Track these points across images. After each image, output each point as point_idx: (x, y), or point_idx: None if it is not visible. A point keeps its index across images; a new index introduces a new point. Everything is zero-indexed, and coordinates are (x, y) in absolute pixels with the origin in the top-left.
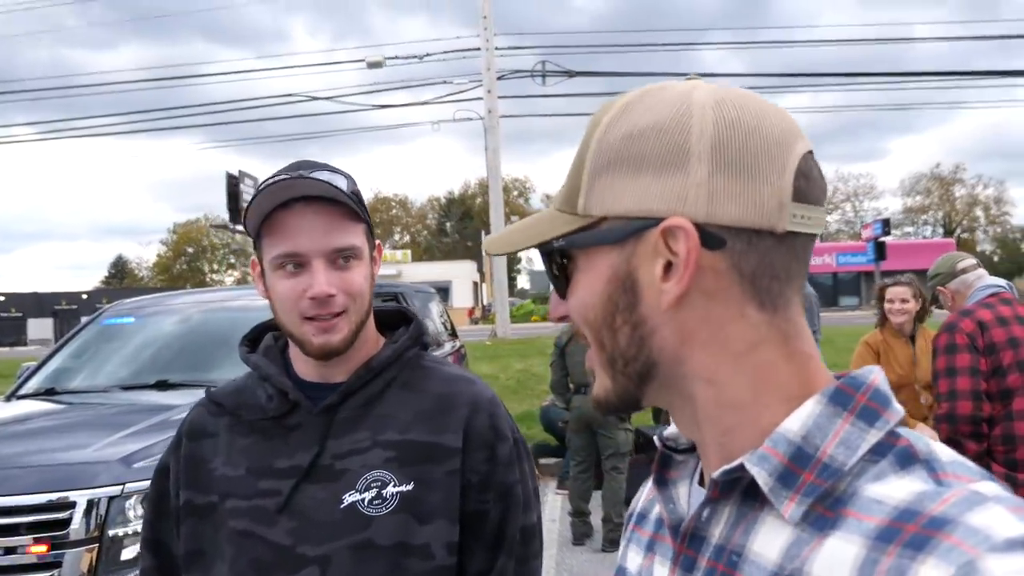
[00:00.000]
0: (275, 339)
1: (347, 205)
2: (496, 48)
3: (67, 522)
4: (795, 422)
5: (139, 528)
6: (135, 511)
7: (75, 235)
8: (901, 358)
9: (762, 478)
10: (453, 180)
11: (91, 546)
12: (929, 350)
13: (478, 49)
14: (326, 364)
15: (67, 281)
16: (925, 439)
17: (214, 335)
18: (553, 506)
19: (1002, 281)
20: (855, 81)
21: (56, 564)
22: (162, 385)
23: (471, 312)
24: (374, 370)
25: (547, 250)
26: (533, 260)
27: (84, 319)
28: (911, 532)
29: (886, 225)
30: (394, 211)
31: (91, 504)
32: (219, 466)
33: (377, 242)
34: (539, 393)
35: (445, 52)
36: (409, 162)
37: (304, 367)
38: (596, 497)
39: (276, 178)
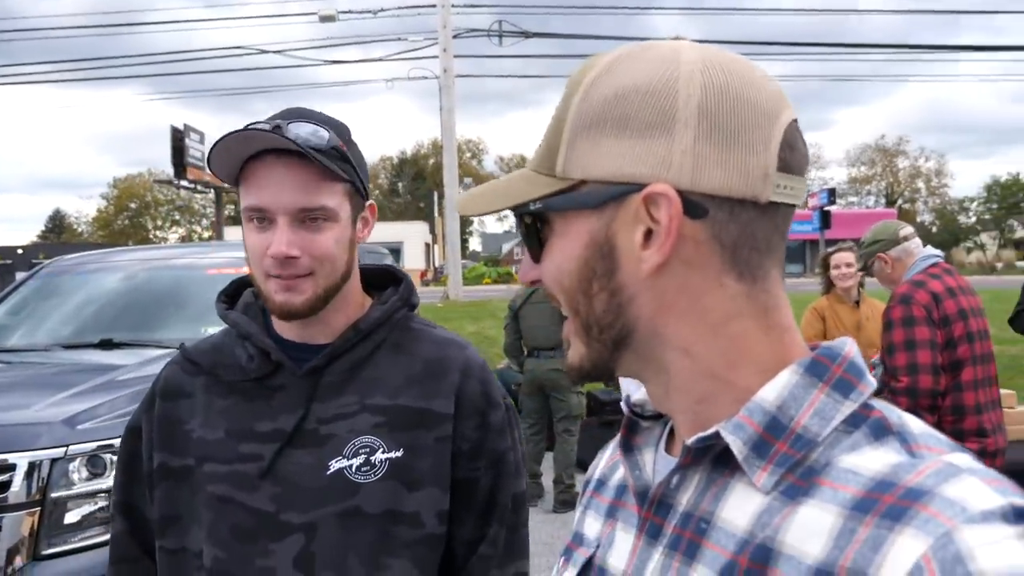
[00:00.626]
0: (255, 296)
1: (320, 163)
2: (452, 5)
3: (6, 485)
4: (771, 392)
5: (82, 491)
6: (79, 474)
7: (8, 187)
8: (847, 323)
9: (737, 447)
10: (406, 140)
11: (32, 510)
12: (874, 316)
13: (434, 6)
14: (305, 324)
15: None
16: (897, 411)
17: (160, 294)
18: None
19: (938, 252)
20: (803, 52)
21: None
22: (106, 344)
23: (423, 274)
24: (362, 332)
25: (522, 213)
26: (485, 222)
27: (20, 275)
28: (888, 503)
29: (832, 194)
30: None
31: (32, 467)
32: (196, 428)
33: (370, 202)
34: (491, 356)
35: (400, 8)
36: (361, 120)
37: (285, 326)
38: (548, 459)
39: (252, 125)
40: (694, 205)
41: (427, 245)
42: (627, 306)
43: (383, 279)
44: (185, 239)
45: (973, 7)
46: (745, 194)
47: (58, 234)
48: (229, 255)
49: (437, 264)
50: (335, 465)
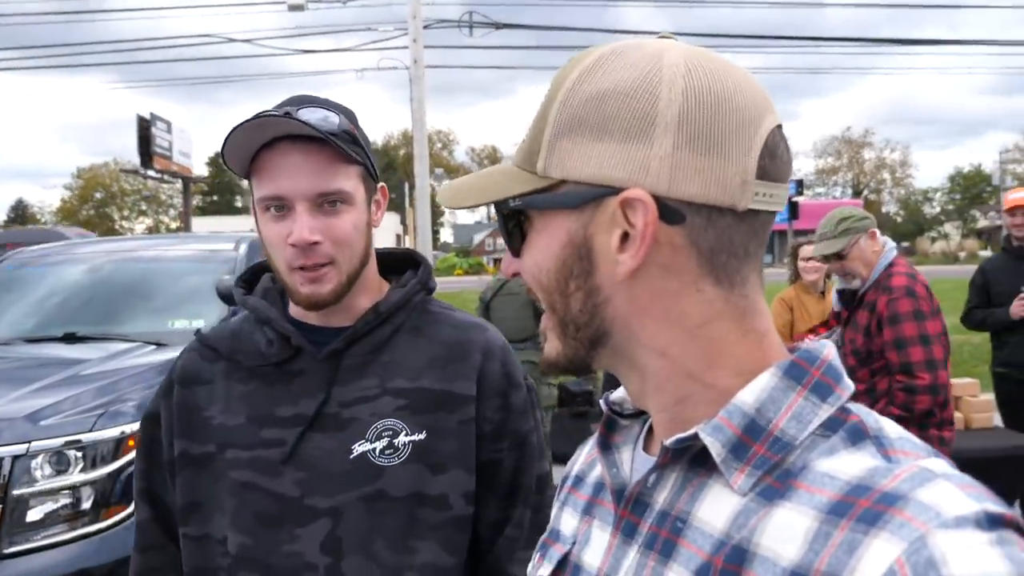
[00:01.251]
0: (273, 280)
1: (337, 145)
2: None
3: None
4: (750, 394)
5: (45, 488)
6: (42, 471)
7: None
8: (814, 312)
9: (715, 448)
10: (376, 130)
11: None
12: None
13: None
14: (326, 309)
15: None
16: (875, 415)
17: (126, 286)
18: None
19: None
20: (769, 44)
21: None
22: (70, 338)
23: None
24: (382, 314)
25: (503, 208)
26: (457, 213)
27: None
28: (863, 507)
29: (800, 185)
30: None
31: None
32: (216, 414)
33: (381, 185)
34: None
35: None
36: None
37: (302, 311)
38: None
39: (262, 114)
40: (671, 211)
41: (398, 236)
42: (603, 307)
43: (401, 263)
44: (152, 230)
45: (933, 2)
46: (723, 202)
47: (21, 223)
48: (196, 247)
49: None
50: (358, 448)
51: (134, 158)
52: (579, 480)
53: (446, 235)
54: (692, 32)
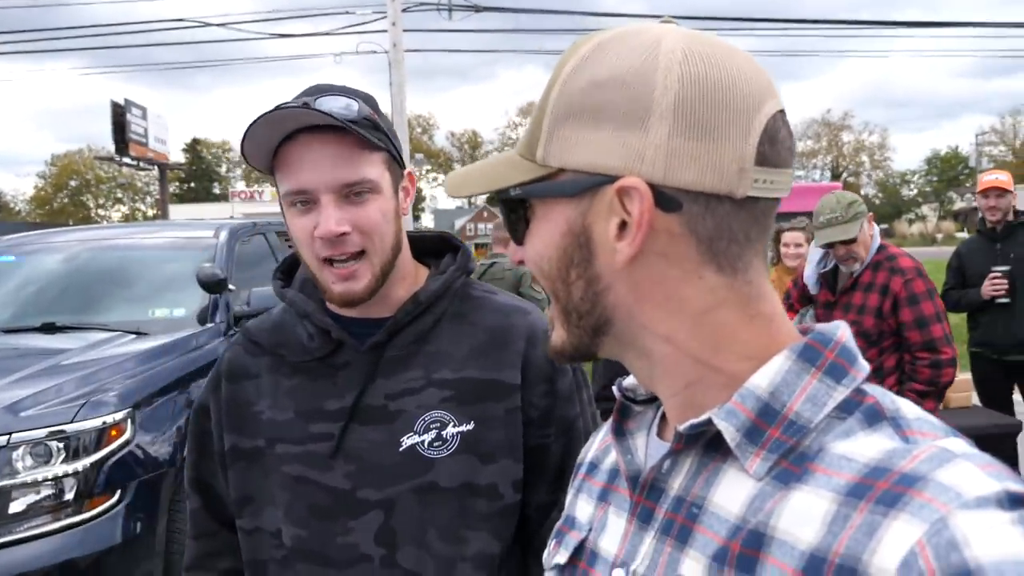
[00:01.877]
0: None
1: (358, 134)
2: None
3: None
4: (763, 378)
5: (27, 479)
6: (23, 462)
7: None
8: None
9: (729, 433)
10: None
11: None
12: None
13: None
14: None
15: None
16: (891, 395)
17: (105, 274)
18: None
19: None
20: (747, 27)
21: None
22: (49, 328)
23: None
24: (422, 304)
25: (504, 197)
26: (437, 198)
27: None
28: (882, 488)
29: None
30: None
31: None
32: (265, 409)
33: (408, 170)
34: None
35: None
36: None
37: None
38: None
39: (280, 106)
40: (667, 199)
41: None
42: (603, 295)
43: (438, 246)
44: (129, 218)
45: None
46: (720, 189)
47: None
48: (176, 235)
49: None
50: (407, 441)
51: (109, 145)
52: (593, 467)
53: (427, 220)
54: (666, 14)
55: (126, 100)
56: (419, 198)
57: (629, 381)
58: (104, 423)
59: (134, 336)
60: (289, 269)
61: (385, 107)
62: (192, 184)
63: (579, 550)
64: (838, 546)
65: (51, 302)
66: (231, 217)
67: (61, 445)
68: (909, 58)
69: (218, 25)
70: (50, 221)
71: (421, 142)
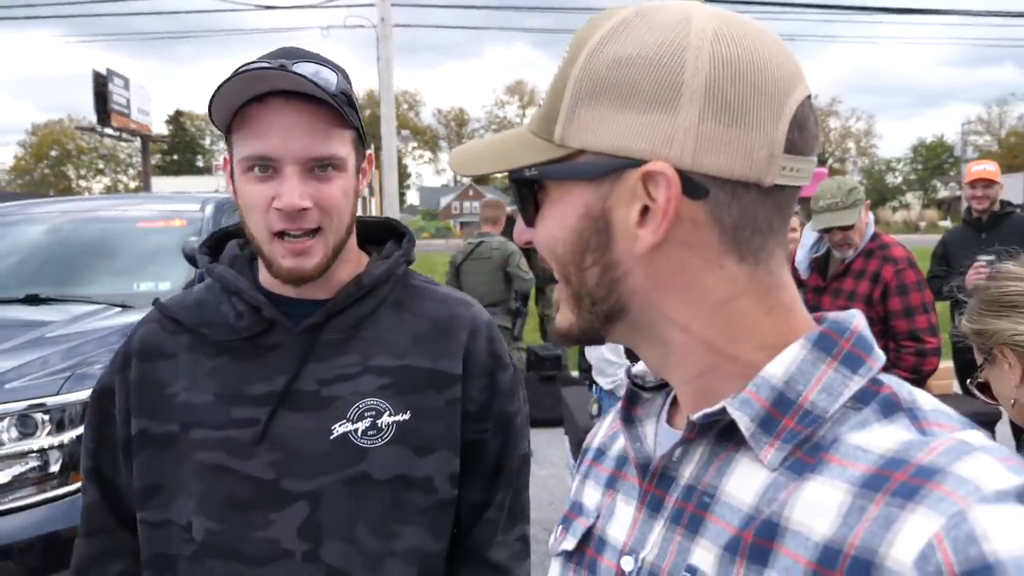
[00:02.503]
0: (240, 247)
1: (334, 106)
2: None
3: None
4: (779, 367)
5: (11, 451)
6: (8, 434)
7: None
8: None
9: (744, 423)
10: None
11: None
12: None
13: None
14: None
15: None
16: (907, 386)
17: (89, 247)
18: None
19: None
20: (732, 8)
21: None
22: (33, 299)
23: None
24: (364, 287)
25: (517, 177)
26: (423, 176)
27: None
28: (899, 481)
29: None
30: None
31: None
32: (180, 391)
33: (369, 152)
34: None
35: None
36: None
37: (276, 281)
38: None
39: (252, 65)
40: (694, 185)
41: (364, 199)
42: (620, 282)
43: (382, 232)
44: (111, 189)
45: None
46: (748, 176)
47: None
48: (158, 207)
49: None
50: (339, 429)
51: (91, 115)
52: (601, 453)
53: (412, 197)
54: None
55: (108, 70)
56: (404, 175)
57: (638, 368)
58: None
59: (119, 309)
60: (217, 244)
61: (372, 82)
62: (175, 156)
63: (587, 537)
64: (854, 538)
65: (34, 273)
66: (216, 191)
67: (46, 417)
68: (897, 45)
69: None
70: (30, 192)
71: (408, 118)
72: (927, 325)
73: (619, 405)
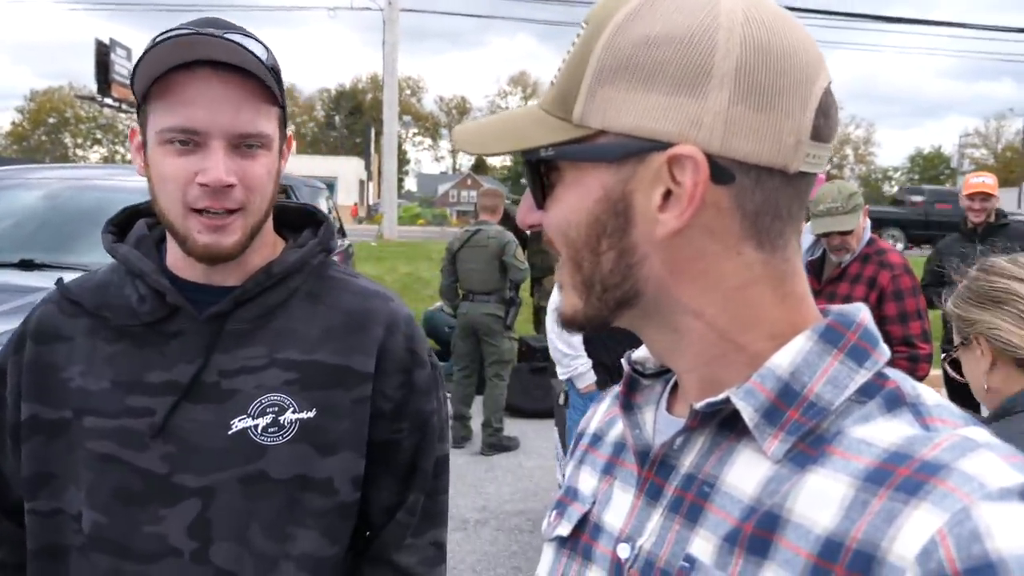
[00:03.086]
0: (149, 227)
1: (264, 82)
2: None
3: None
4: (784, 358)
5: None
6: None
7: None
8: None
9: (748, 413)
10: (345, 72)
11: None
12: None
13: None
14: (213, 264)
15: None
16: (911, 381)
17: (84, 215)
18: None
19: None
20: None
21: None
22: (27, 264)
23: (355, 211)
24: (275, 276)
25: (531, 158)
26: (421, 162)
27: None
28: (903, 475)
29: None
30: None
31: None
32: (75, 376)
33: (290, 132)
34: (424, 298)
35: None
36: (300, 49)
37: (184, 264)
38: (477, 402)
39: (177, 32)
40: (721, 170)
41: (361, 182)
42: (637, 267)
43: (300, 219)
44: (108, 159)
45: None
46: (775, 163)
47: None
48: None
49: (371, 202)
50: (238, 424)
51: (91, 84)
52: (597, 439)
53: (410, 184)
54: None
55: (111, 39)
56: (403, 160)
57: (638, 354)
58: None
59: None
60: (123, 223)
61: (377, 66)
62: None
63: (582, 523)
64: (856, 531)
65: (28, 239)
66: None
67: None
68: (899, 54)
69: None
70: (26, 157)
71: (410, 104)
72: (920, 331)
73: (618, 391)
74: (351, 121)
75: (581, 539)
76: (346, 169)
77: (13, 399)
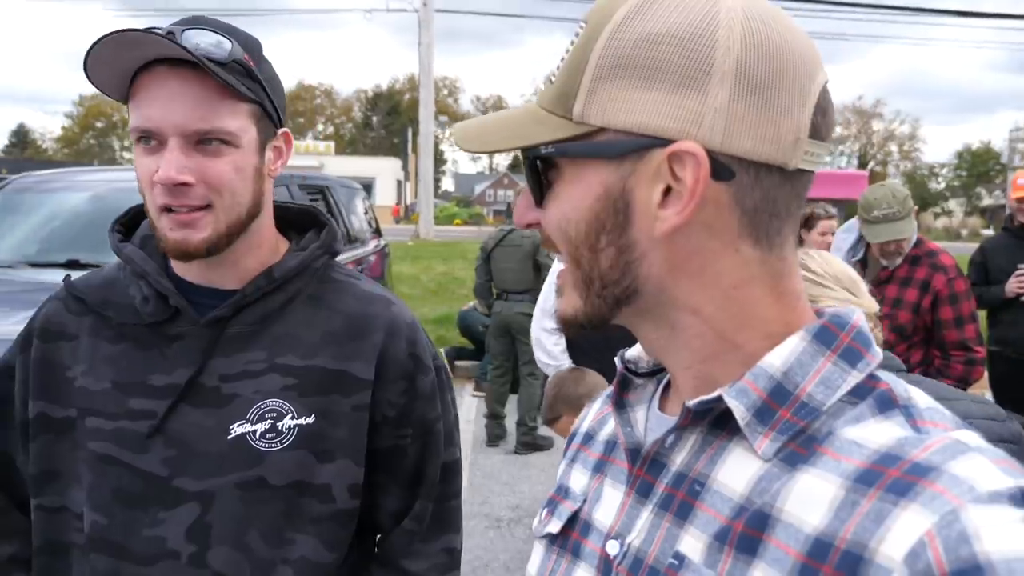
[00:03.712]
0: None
1: (218, 78)
2: None
3: None
4: (777, 357)
5: None
6: None
7: None
8: None
9: (739, 412)
10: (382, 74)
11: None
12: None
13: None
14: (211, 266)
15: None
16: (904, 384)
17: None
18: (469, 407)
19: None
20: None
21: None
22: (73, 264)
23: (395, 211)
24: (276, 280)
25: (531, 155)
26: (458, 162)
27: None
28: (893, 477)
29: None
30: (318, 101)
31: None
32: (79, 376)
33: (284, 130)
34: (459, 297)
35: None
36: (337, 51)
37: (188, 267)
38: (512, 401)
39: (129, 29)
40: (721, 167)
41: (399, 182)
42: (636, 264)
43: (304, 221)
44: None
45: None
46: (774, 159)
47: (21, 149)
48: None
49: (408, 202)
50: (237, 429)
51: None
52: (589, 437)
53: (447, 183)
54: None
55: None
56: (440, 160)
57: (631, 352)
58: None
59: None
60: (131, 222)
61: (413, 67)
62: None
63: (572, 520)
64: (845, 532)
65: (75, 239)
66: None
67: None
68: (946, 47)
69: None
70: (75, 160)
71: (446, 104)
72: (975, 335)
73: (610, 390)
74: (389, 122)
75: (571, 536)
76: (384, 169)
77: (21, 397)
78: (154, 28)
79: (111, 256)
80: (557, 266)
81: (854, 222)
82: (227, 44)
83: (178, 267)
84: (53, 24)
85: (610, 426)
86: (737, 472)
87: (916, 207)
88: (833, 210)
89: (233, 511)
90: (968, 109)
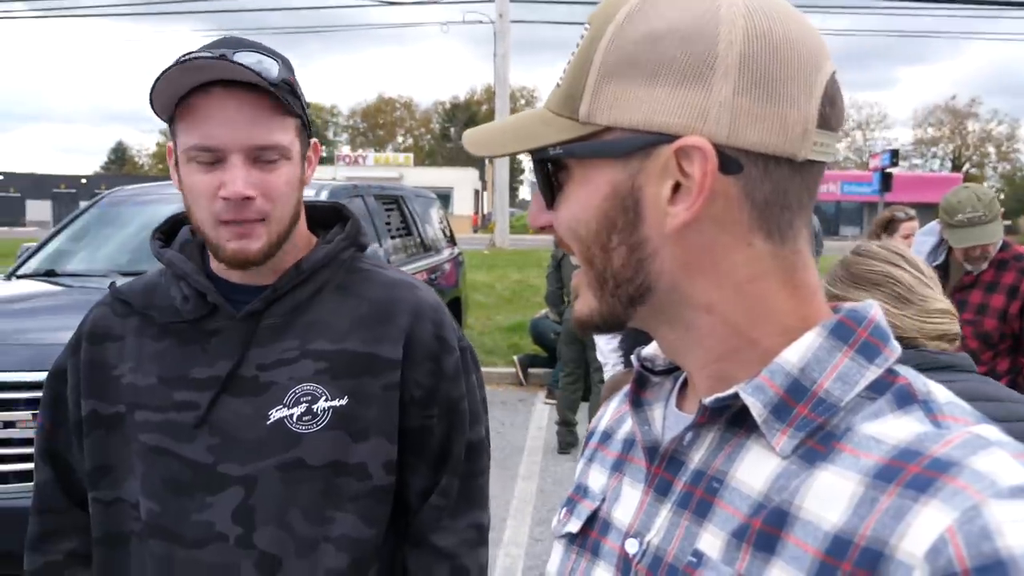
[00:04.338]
0: (193, 233)
1: (276, 95)
2: None
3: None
4: (794, 353)
5: None
6: None
7: (74, 118)
8: None
9: (756, 409)
10: (459, 85)
11: None
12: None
13: None
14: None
15: (65, 164)
16: (923, 378)
17: None
18: (541, 415)
19: None
20: (865, 4)
21: None
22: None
23: (474, 220)
24: (304, 272)
25: (540, 157)
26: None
27: (83, 203)
28: (913, 472)
29: (895, 156)
30: (398, 113)
31: None
32: (126, 373)
33: (314, 141)
34: (533, 304)
35: None
36: (415, 64)
37: (224, 267)
38: (583, 408)
39: (193, 55)
40: (729, 160)
41: (476, 192)
42: (648, 262)
43: (331, 218)
44: None
45: None
46: (782, 151)
47: (120, 165)
48: None
49: (486, 211)
50: (275, 415)
51: None
52: (607, 436)
53: (524, 192)
54: None
55: None
56: (517, 170)
57: (648, 351)
58: None
59: None
60: (170, 230)
61: (489, 78)
62: None
63: (591, 519)
64: (864, 528)
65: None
66: (333, 179)
67: None
68: None
69: None
70: (167, 176)
71: None
72: None
73: (627, 388)
74: None
75: (590, 536)
76: (462, 180)
77: (74, 398)
78: (201, 53)
79: None
80: None
81: (934, 224)
82: (273, 65)
83: (217, 268)
84: (146, 45)
85: (628, 425)
86: (755, 469)
87: (1002, 210)
88: (912, 212)
89: (275, 493)
90: None
